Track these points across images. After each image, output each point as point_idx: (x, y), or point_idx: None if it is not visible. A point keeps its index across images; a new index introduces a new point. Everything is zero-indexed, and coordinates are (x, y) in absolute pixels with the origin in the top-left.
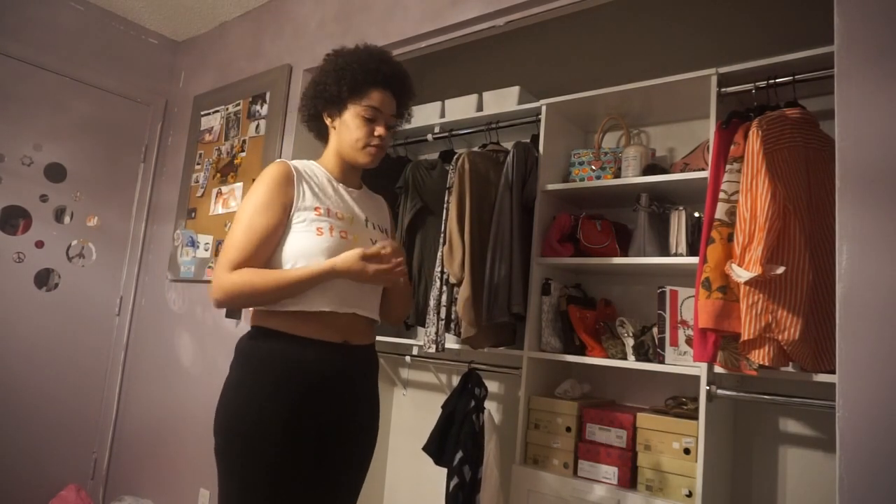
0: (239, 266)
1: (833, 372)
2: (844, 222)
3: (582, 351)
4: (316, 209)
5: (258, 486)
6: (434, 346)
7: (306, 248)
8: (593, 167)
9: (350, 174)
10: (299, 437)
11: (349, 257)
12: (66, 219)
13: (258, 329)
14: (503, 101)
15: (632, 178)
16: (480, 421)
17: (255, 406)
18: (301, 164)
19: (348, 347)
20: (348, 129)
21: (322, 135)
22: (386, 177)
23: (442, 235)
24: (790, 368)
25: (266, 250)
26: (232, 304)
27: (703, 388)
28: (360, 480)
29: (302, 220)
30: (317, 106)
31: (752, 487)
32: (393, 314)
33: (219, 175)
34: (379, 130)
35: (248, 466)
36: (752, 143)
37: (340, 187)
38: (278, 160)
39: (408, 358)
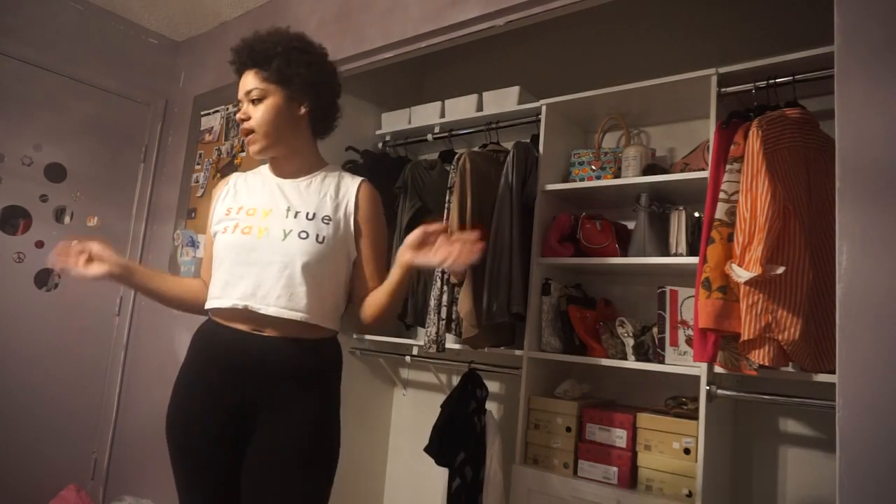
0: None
1: (833, 372)
2: (844, 222)
3: (582, 351)
4: (227, 211)
5: (180, 473)
6: (434, 346)
7: (215, 249)
8: (593, 167)
9: (285, 166)
10: (207, 422)
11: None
12: (66, 219)
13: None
14: (503, 101)
15: (632, 178)
16: (482, 422)
17: (176, 388)
18: (252, 171)
19: (259, 337)
20: None
21: None
22: (386, 177)
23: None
24: (790, 368)
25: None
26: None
27: (703, 388)
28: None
29: (218, 221)
30: None
31: (752, 487)
32: (373, 317)
33: (219, 175)
34: (237, 116)
35: (169, 450)
36: (752, 143)
37: (275, 181)
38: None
39: (408, 358)
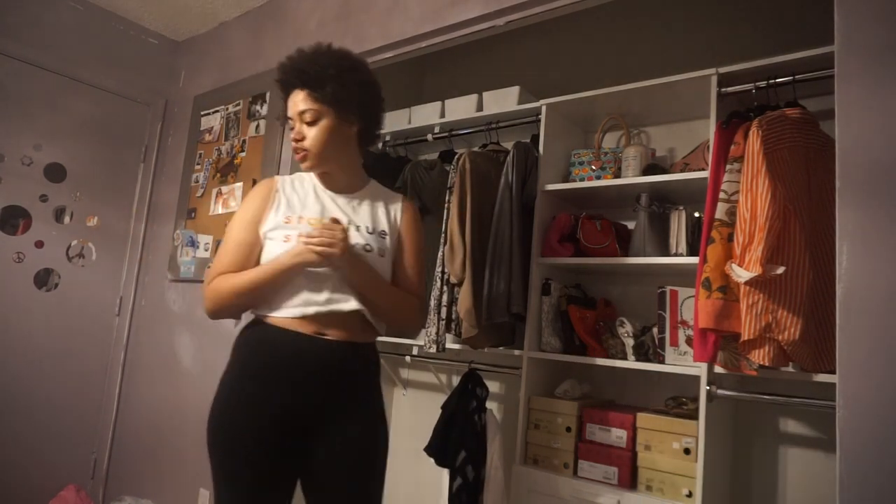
0: (221, 275)
1: (833, 372)
2: (844, 222)
3: (582, 351)
4: (287, 219)
5: (231, 473)
6: (434, 346)
7: (274, 255)
8: (593, 167)
9: (336, 180)
10: (268, 426)
11: (293, 246)
12: (66, 219)
13: (251, 319)
14: (503, 101)
15: (632, 178)
16: (482, 421)
17: (229, 392)
18: (292, 178)
19: (324, 341)
20: None
21: None
22: (386, 176)
23: (443, 235)
24: (790, 368)
25: (245, 261)
26: (215, 309)
27: (703, 388)
28: (357, 488)
29: (274, 228)
30: None
31: (752, 487)
32: (381, 315)
33: (219, 175)
34: (291, 135)
35: (217, 454)
36: (753, 143)
37: (326, 194)
38: (270, 178)
39: (408, 358)
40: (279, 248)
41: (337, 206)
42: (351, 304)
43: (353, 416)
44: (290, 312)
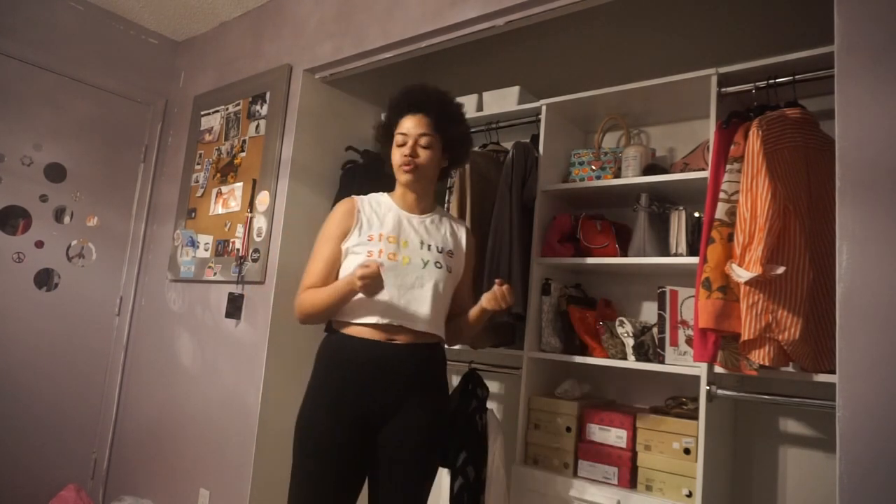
0: (309, 288)
1: (833, 372)
2: (844, 222)
3: (582, 351)
4: (370, 236)
5: (306, 470)
6: None
7: (350, 268)
8: (593, 167)
9: (413, 202)
10: (342, 421)
11: (352, 273)
12: (66, 219)
13: (328, 328)
14: (503, 101)
15: (632, 178)
16: (483, 421)
17: (310, 394)
18: (370, 198)
19: (392, 345)
20: (392, 158)
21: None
22: (386, 177)
23: None
24: (790, 368)
25: (329, 275)
26: (303, 320)
27: (703, 388)
28: (410, 479)
29: (357, 243)
30: (382, 147)
31: (752, 487)
32: (454, 337)
33: (219, 175)
34: (405, 150)
35: (300, 454)
36: (753, 143)
37: (402, 214)
38: (349, 197)
39: None
40: (362, 260)
41: (411, 226)
42: (419, 325)
43: (418, 408)
44: (364, 319)
